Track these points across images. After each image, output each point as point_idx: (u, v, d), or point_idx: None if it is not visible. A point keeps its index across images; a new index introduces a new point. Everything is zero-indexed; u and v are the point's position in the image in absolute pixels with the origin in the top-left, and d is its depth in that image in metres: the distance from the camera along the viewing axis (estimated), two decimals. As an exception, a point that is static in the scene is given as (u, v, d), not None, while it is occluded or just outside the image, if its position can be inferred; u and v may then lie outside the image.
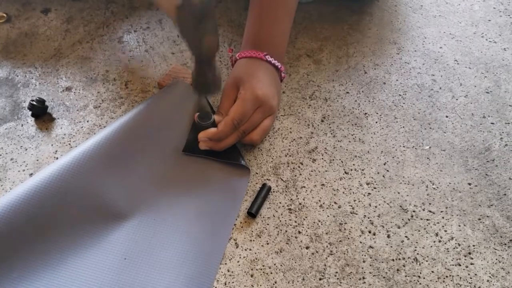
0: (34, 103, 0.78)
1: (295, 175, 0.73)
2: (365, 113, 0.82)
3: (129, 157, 0.70)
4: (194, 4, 0.53)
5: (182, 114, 0.76)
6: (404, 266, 0.64)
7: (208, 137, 0.70)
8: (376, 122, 0.80)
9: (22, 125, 0.79)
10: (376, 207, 0.70)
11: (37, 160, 0.74)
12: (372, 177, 0.73)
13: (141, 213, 0.67)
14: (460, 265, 0.65)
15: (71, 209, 0.65)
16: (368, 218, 0.69)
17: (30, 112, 0.79)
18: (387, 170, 0.74)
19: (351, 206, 0.70)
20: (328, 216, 0.69)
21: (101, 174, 0.67)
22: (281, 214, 0.69)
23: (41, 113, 0.80)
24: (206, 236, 0.66)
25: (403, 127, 0.80)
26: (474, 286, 0.63)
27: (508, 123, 0.80)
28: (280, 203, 0.70)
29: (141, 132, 0.72)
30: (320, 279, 0.63)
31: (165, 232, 0.66)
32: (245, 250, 0.66)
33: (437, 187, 0.72)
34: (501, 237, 0.67)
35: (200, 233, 0.66)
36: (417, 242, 0.67)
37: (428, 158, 0.76)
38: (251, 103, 0.70)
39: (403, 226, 0.68)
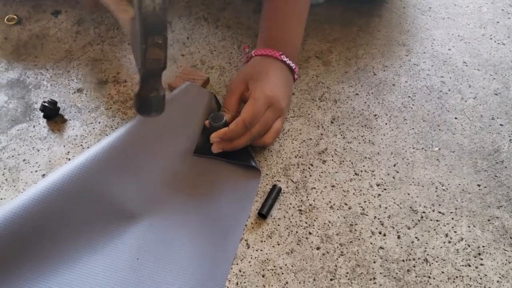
0: (46, 104, 0.79)
1: (305, 176, 0.74)
2: (375, 115, 0.82)
3: (140, 159, 0.71)
4: (143, 18, 0.49)
5: (193, 116, 0.76)
6: (414, 266, 0.65)
7: (219, 137, 0.71)
8: (386, 124, 0.81)
9: (34, 126, 0.80)
10: (386, 208, 0.71)
11: (50, 161, 0.75)
12: (382, 179, 0.74)
13: (153, 214, 0.68)
14: (470, 265, 0.65)
15: (84, 210, 0.65)
16: (378, 219, 0.69)
17: (42, 114, 0.80)
18: (397, 172, 0.75)
19: (361, 207, 0.71)
20: (338, 217, 0.69)
21: (113, 176, 0.68)
22: (292, 215, 0.70)
23: (53, 114, 0.80)
24: (218, 237, 0.66)
25: (413, 128, 0.80)
26: (484, 287, 0.63)
27: (517, 124, 0.81)
28: (290, 204, 0.71)
29: (153, 134, 0.72)
30: (331, 279, 0.64)
31: (176, 233, 0.67)
32: (256, 250, 0.66)
33: (447, 188, 0.73)
34: (510, 238, 0.68)
35: (211, 234, 0.67)
36: (427, 243, 0.67)
37: (437, 159, 0.76)
38: (262, 102, 0.71)
39: (413, 227, 0.69)
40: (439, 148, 0.77)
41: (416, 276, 0.64)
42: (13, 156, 0.76)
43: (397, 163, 0.76)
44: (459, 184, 0.73)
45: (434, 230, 0.68)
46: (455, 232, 0.68)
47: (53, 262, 0.62)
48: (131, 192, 0.68)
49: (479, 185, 0.73)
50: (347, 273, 0.64)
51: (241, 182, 0.72)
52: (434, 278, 0.64)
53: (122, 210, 0.67)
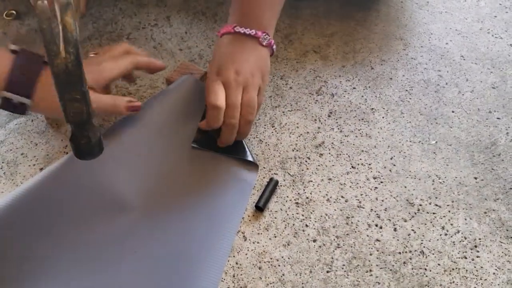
0: (44, 98, 0.79)
1: (302, 170, 0.74)
2: (372, 108, 0.82)
3: (138, 152, 0.71)
4: (55, 76, 0.47)
5: (191, 109, 0.76)
6: (410, 259, 0.65)
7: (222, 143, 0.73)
8: (383, 117, 0.81)
9: (32, 120, 0.80)
10: (383, 201, 0.71)
11: (47, 155, 0.75)
12: (379, 172, 0.74)
13: (150, 207, 0.68)
14: (466, 258, 0.65)
15: (80, 201, 0.65)
16: (375, 211, 0.70)
17: (40, 108, 0.80)
18: (394, 165, 0.75)
19: (358, 200, 0.71)
20: (335, 210, 0.70)
21: (110, 167, 0.68)
22: (289, 208, 0.70)
23: (50, 108, 0.80)
24: (215, 230, 0.67)
25: (410, 122, 0.80)
26: (480, 279, 0.63)
27: (514, 118, 0.81)
28: (287, 197, 0.71)
29: (151, 126, 0.73)
30: (327, 271, 0.64)
31: (173, 226, 0.67)
32: (253, 243, 0.66)
33: (444, 181, 0.73)
34: (507, 230, 0.68)
35: (208, 227, 0.67)
36: (423, 235, 0.67)
37: (434, 152, 0.76)
38: (235, 87, 0.70)
39: (410, 219, 0.69)
40: (436, 142, 0.78)
41: (412, 268, 0.64)
42: (11, 150, 0.76)
43: (394, 156, 0.76)
44: (456, 177, 0.73)
45: (431, 222, 0.69)
46: (451, 224, 0.68)
47: (49, 255, 0.62)
48: (128, 184, 0.68)
49: (475, 178, 0.73)
50: (344, 265, 0.64)
51: (239, 176, 0.72)
52: (430, 270, 0.64)
53: (120, 202, 0.67)
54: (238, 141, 0.73)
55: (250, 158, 0.73)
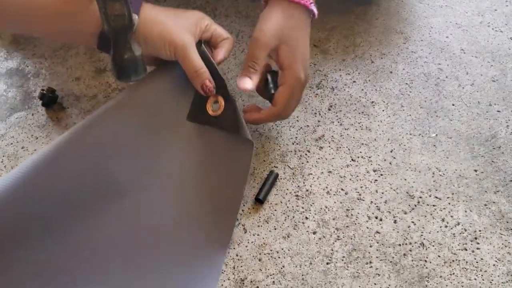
0: (45, 92, 0.79)
1: (302, 163, 0.74)
2: (372, 102, 0.82)
3: (133, 130, 0.66)
4: None
5: (185, 83, 0.70)
6: (410, 250, 0.65)
7: (247, 119, 0.71)
8: (383, 111, 0.81)
9: (33, 114, 0.80)
10: (383, 193, 0.71)
11: (48, 148, 0.75)
12: (379, 164, 0.74)
13: (144, 188, 0.65)
14: (466, 249, 0.65)
15: (74, 186, 0.62)
16: (375, 204, 0.70)
17: (40, 102, 0.80)
18: (394, 157, 0.75)
19: (358, 192, 0.71)
20: (335, 202, 0.70)
21: (103, 148, 0.64)
22: (289, 200, 0.70)
23: (51, 102, 0.81)
24: (213, 216, 0.65)
25: (410, 115, 0.80)
26: (481, 270, 0.63)
27: (515, 111, 0.81)
28: (287, 189, 0.71)
29: (146, 102, 0.68)
30: (327, 263, 0.64)
31: (167, 213, 0.65)
32: (253, 235, 0.66)
33: (444, 174, 0.73)
34: (507, 222, 0.68)
35: (205, 214, 0.66)
36: (423, 228, 0.67)
37: (434, 145, 0.76)
38: (297, 91, 0.69)
39: (410, 211, 0.69)
40: (436, 134, 0.78)
41: (412, 260, 0.64)
42: (11, 143, 0.76)
43: (394, 149, 0.76)
44: (456, 170, 0.73)
45: (431, 214, 0.69)
46: (451, 216, 0.68)
47: (40, 236, 0.60)
48: (124, 165, 0.65)
49: (476, 171, 0.73)
50: (343, 257, 0.64)
51: (235, 154, 0.69)
52: (430, 262, 0.64)
53: (116, 183, 0.64)
54: (238, 116, 0.69)
55: (247, 136, 0.68)
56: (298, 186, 0.71)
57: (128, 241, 0.64)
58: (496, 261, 0.64)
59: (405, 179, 0.72)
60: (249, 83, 0.67)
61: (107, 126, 0.64)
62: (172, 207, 0.66)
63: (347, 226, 0.67)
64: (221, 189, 0.68)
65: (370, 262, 0.64)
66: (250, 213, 0.69)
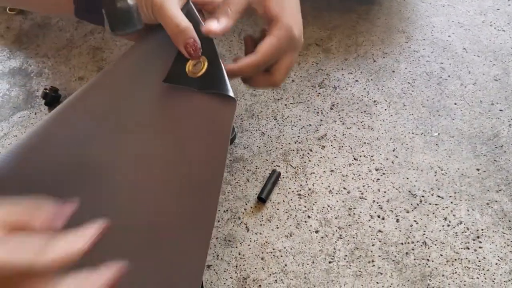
0: (48, 91, 0.79)
1: (305, 162, 0.74)
2: (374, 101, 0.82)
3: (107, 103, 0.60)
4: None
5: (168, 43, 0.61)
6: (413, 249, 0.65)
7: (228, 70, 0.58)
8: (385, 110, 0.81)
9: (35, 113, 0.80)
10: (385, 192, 0.71)
11: (51, 147, 0.76)
12: (381, 163, 0.74)
13: (123, 163, 0.59)
14: (468, 248, 0.65)
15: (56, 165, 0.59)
16: (377, 203, 0.70)
17: (43, 101, 0.81)
18: (396, 156, 0.75)
19: (360, 191, 0.71)
20: (337, 201, 0.70)
21: (84, 125, 0.58)
22: (291, 199, 0.70)
23: (54, 101, 0.81)
24: (194, 189, 0.56)
25: (412, 114, 0.80)
26: (483, 269, 0.63)
27: (517, 110, 0.81)
28: (289, 188, 0.71)
29: (128, 71, 0.62)
30: (329, 262, 0.64)
31: (147, 187, 0.60)
32: (256, 234, 0.67)
33: (446, 173, 0.73)
34: (509, 221, 0.68)
35: (185, 187, 0.58)
36: (425, 226, 0.67)
37: (436, 144, 0.76)
38: (286, 46, 0.58)
39: (412, 210, 0.69)
40: (439, 133, 0.78)
41: (414, 259, 0.64)
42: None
43: (396, 148, 0.76)
44: (458, 169, 0.73)
45: (433, 213, 0.69)
46: (454, 215, 0.69)
47: None
48: (103, 143, 0.59)
49: (478, 170, 0.73)
50: (346, 255, 0.65)
51: (216, 115, 0.60)
52: (432, 261, 0.64)
53: (97, 160, 0.58)
54: (220, 73, 0.60)
55: (229, 93, 0.58)
56: (301, 185, 0.71)
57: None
58: (498, 259, 0.64)
59: (408, 178, 0.72)
60: (215, 25, 0.56)
61: (81, 109, 0.59)
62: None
63: (349, 225, 0.67)
64: (201, 166, 0.58)
65: (373, 261, 0.64)
66: (252, 212, 0.69)
